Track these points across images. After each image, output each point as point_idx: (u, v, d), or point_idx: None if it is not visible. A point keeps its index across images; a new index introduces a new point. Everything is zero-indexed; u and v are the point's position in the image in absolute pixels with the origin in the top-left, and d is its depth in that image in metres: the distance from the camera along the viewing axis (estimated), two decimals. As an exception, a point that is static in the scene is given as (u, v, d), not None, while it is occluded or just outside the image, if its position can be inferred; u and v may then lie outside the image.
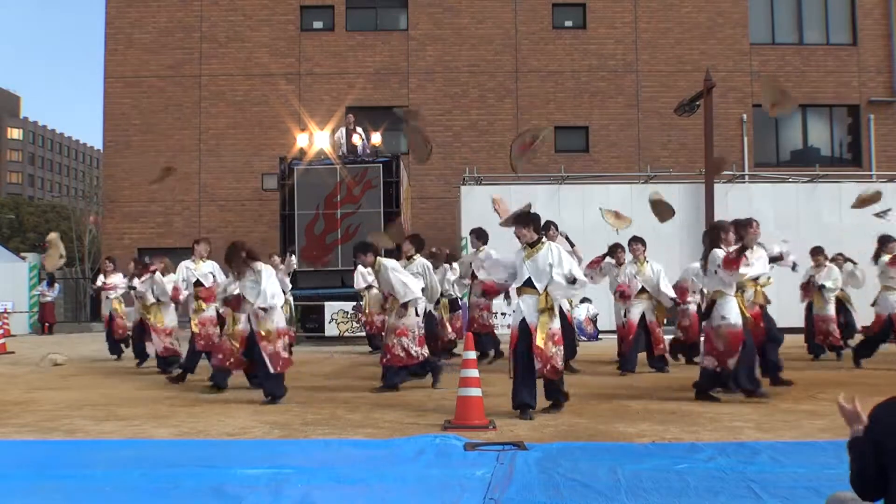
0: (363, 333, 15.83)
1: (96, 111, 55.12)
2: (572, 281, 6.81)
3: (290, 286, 12.70)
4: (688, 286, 10.87)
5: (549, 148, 23.99)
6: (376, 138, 17.64)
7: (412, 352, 8.51)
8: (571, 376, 9.72)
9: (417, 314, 8.76)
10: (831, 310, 11.70)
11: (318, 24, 24.38)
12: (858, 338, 11.74)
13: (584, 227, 18.34)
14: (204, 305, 9.81)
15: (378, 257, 8.65)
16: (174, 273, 10.72)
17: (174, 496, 4.22)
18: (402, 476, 4.57)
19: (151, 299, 11.03)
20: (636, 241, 10.64)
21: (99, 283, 13.48)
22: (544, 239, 7.10)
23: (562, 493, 4.14)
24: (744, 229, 7.73)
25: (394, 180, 16.63)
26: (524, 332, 6.70)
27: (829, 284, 11.64)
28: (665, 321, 10.71)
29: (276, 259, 12.21)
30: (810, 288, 11.96)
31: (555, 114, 23.99)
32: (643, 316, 10.29)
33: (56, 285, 22.97)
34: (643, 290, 10.36)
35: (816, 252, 11.91)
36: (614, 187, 19.12)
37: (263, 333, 7.77)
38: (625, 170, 22.23)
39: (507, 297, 8.00)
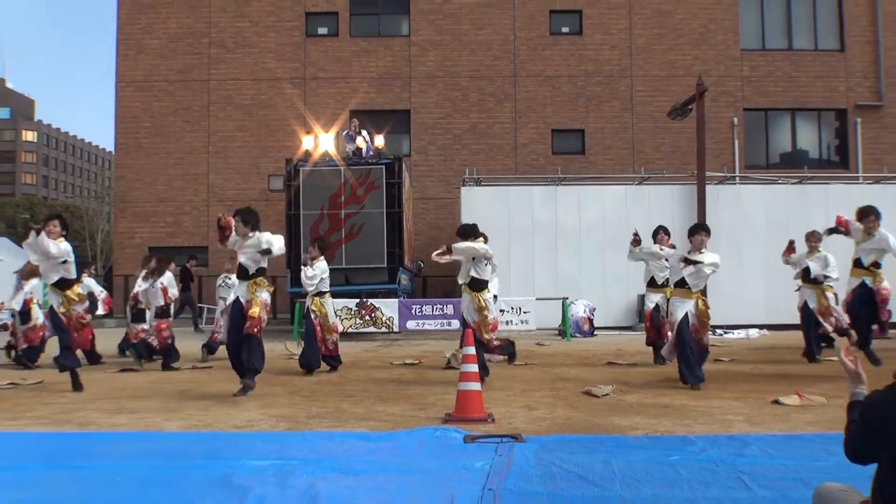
0: (367, 329, 15.86)
1: (108, 114, 55.09)
2: None
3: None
4: None
5: (547, 150, 24.05)
6: (379, 141, 17.64)
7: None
8: (570, 369, 9.75)
9: None
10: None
11: (322, 30, 24.38)
12: None
13: (580, 227, 18.39)
14: None
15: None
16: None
17: (184, 487, 4.22)
18: (403, 467, 4.57)
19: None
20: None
21: None
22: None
23: (558, 483, 4.14)
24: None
25: (396, 181, 16.62)
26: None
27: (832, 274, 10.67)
28: None
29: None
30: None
31: (552, 117, 24.00)
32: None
33: None
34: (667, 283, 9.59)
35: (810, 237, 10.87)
36: (609, 188, 19.12)
37: None
38: (619, 171, 22.23)
39: None
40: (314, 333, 9.98)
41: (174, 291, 11.51)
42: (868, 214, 9.32)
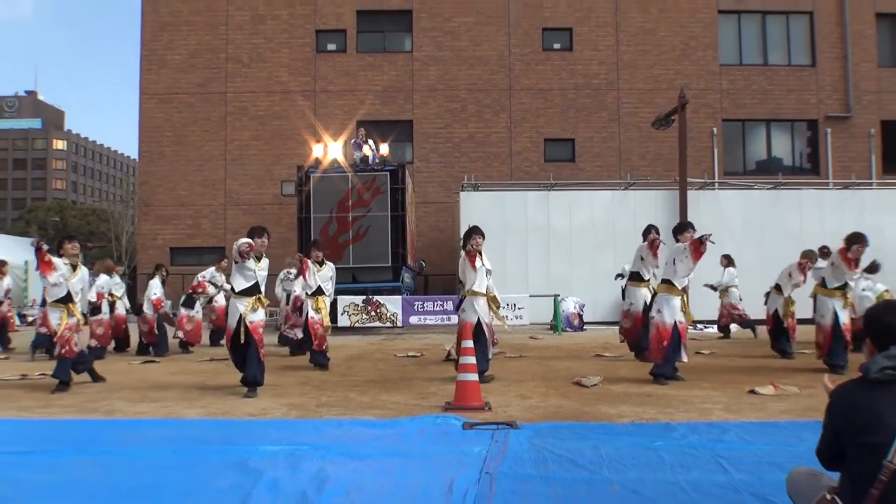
0: (373, 324, 15.85)
1: (133, 124, 55.02)
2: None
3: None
4: None
5: (540, 157, 24.04)
6: (384, 149, 17.63)
7: None
8: (561, 361, 9.73)
9: None
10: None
11: (331, 47, 24.37)
12: None
13: (570, 229, 18.39)
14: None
15: None
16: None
17: (202, 470, 4.22)
18: (406, 452, 4.57)
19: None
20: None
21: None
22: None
23: (550, 467, 4.14)
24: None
25: (400, 187, 16.61)
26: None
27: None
28: None
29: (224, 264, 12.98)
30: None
31: (544, 127, 23.99)
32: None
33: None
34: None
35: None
36: (598, 193, 19.11)
37: None
38: (607, 178, 22.24)
39: None
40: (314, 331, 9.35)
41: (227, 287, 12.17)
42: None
